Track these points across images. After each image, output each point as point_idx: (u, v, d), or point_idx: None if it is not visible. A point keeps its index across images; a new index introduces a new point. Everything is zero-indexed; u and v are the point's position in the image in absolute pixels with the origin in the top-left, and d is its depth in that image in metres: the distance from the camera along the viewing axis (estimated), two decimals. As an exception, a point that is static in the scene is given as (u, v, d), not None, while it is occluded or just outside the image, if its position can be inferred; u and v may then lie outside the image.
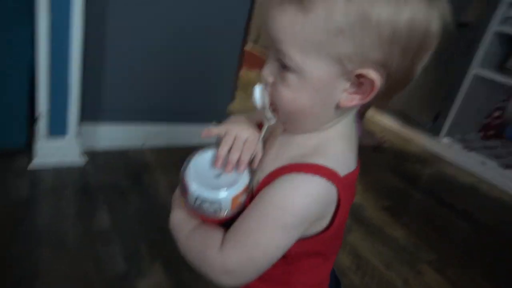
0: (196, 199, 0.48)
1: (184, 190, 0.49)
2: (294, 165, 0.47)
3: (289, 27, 0.42)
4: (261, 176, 0.51)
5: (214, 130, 0.53)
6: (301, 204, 0.46)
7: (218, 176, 0.50)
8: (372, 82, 0.42)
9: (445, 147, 2.23)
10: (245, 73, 2.62)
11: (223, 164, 0.50)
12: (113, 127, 1.60)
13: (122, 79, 1.55)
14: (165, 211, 1.27)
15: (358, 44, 0.40)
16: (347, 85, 0.44)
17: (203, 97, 1.77)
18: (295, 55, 0.42)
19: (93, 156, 1.50)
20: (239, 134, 0.51)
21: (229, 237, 0.48)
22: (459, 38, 2.03)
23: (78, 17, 1.27)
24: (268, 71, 0.47)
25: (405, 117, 2.43)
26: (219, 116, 1.85)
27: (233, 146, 0.50)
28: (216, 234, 0.50)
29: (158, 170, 1.53)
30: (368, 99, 0.44)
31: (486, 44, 2.03)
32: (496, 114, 2.28)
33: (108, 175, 1.43)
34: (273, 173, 0.49)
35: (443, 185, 1.94)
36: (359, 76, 0.43)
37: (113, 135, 1.61)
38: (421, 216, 1.62)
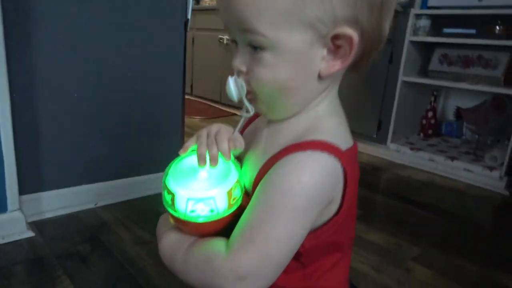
0: (188, 202, 0.43)
1: (171, 202, 0.44)
2: (290, 146, 0.43)
3: (255, 2, 0.39)
4: (254, 172, 0.46)
5: (187, 143, 0.51)
6: (308, 184, 0.41)
7: (203, 177, 0.46)
8: (350, 39, 0.41)
9: (394, 152, 2.33)
10: (188, 120, 2.60)
11: (205, 161, 0.46)
12: (59, 192, 1.46)
13: (60, 141, 1.43)
14: (136, 265, 1.16)
15: (327, 3, 0.39)
16: (324, 52, 0.42)
17: (151, 147, 1.69)
18: (266, 31, 0.40)
19: (42, 226, 1.34)
20: (209, 131, 0.51)
21: (234, 238, 0.42)
22: (385, 51, 2.20)
23: (3, 86, 1.17)
24: (239, 61, 0.44)
25: (352, 133, 2.52)
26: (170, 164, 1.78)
27: (208, 142, 0.48)
28: (218, 241, 0.44)
29: (117, 227, 1.40)
30: (348, 60, 0.43)
31: (406, 52, 2.22)
32: (430, 114, 2.45)
33: (63, 243, 1.27)
34: (267, 162, 0.45)
35: (402, 186, 2.00)
36: (335, 37, 0.41)
37: (61, 201, 1.46)
38: (391, 217, 1.63)
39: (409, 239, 1.42)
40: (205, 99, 3.73)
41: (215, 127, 0.51)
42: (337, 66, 0.43)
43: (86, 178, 1.53)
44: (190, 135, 2.05)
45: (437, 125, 2.50)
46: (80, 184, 1.51)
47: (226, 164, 0.47)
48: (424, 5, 2.15)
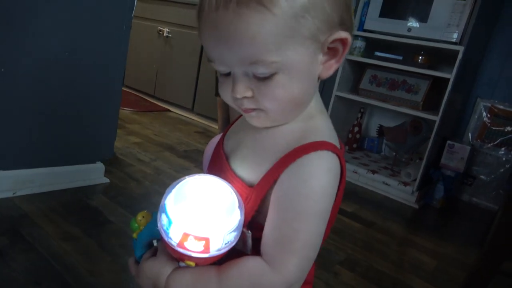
0: (224, 237, 0.42)
1: (203, 247, 0.41)
2: (296, 150, 0.44)
3: (260, 32, 0.39)
4: (261, 169, 0.46)
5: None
6: (326, 183, 0.44)
7: (215, 209, 0.43)
8: (344, 41, 0.44)
9: (322, 162, 2.46)
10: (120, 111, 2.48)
11: None
12: (-29, 177, 1.30)
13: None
14: (63, 262, 1.08)
15: (323, 13, 0.41)
16: (321, 56, 0.45)
17: (82, 136, 1.58)
18: (275, 57, 0.41)
19: None
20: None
21: (273, 251, 0.44)
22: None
23: None
24: (242, 88, 0.43)
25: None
26: (103, 154, 1.68)
27: None
28: (249, 261, 0.45)
29: (40, 219, 1.29)
30: (343, 58, 0.46)
31: (341, 69, 2.37)
32: (356, 129, 2.64)
33: (-25, 235, 1.14)
34: (278, 163, 0.45)
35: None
36: (332, 42, 0.44)
37: (-27, 187, 1.30)
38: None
39: (335, 244, 1.51)
40: (138, 91, 3.58)
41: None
42: (334, 66, 0.46)
43: (4, 163, 1.38)
44: (121, 126, 1.97)
45: (361, 140, 2.70)
46: (-3, 169, 1.36)
47: (214, 185, 0.46)
48: (361, 27, 2.31)
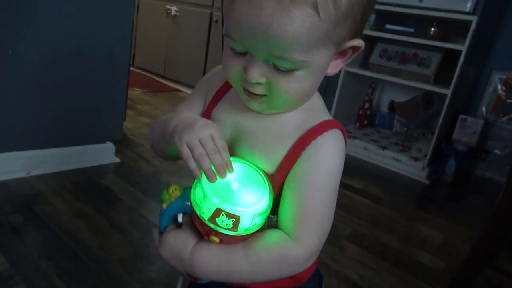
0: (254, 219, 0.43)
1: (233, 225, 0.42)
2: (311, 132, 0.47)
3: (301, 33, 0.39)
4: (277, 155, 0.47)
5: (188, 163, 0.44)
6: (340, 160, 0.48)
7: (245, 189, 0.44)
8: (356, 48, 0.45)
9: (332, 139, 2.45)
10: (129, 92, 2.51)
11: (215, 176, 0.43)
12: (-14, 158, 1.35)
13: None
14: (75, 238, 1.12)
15: (354, 22, 0.42)
16: (334, 57, 0.46)
17: (92, 117, 1.61)
18: (303, 57, 0.41)
19: (-35, 194, 1.23)
20: (200, 138, 0.44)
21: (297, 226, 0.46)
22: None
23: None
24: (258, 73, 0.43)
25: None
26: (113, 135, 1.71)
27: (208, 152, 0.44)
28: (274, 235, 0.47)
29: (52, 197, 1.34)
30: (348, 61, 0.47)
31: (351, 44, 2.32)
32: (367, 105, 2.61)
33: (-9, 213, 1.19)
34: (295, 147, 0.47)
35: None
36: (349, 48, 0.45)
37: (-12, 168, 1.35)
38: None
39: (342, 220, 1.53)
40: (147, 71, 3.60)
41: (203, 131, 0.45)
42: (340, 65, 0.47)
43: (18, 144, 1.42)
44: (132, 107, 1.99)
45: (371, 116, 2.67)
46: (10, 150, 1.40)
47: (244, 168, 0.46)
48: None
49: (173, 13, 3.20)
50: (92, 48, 1.50)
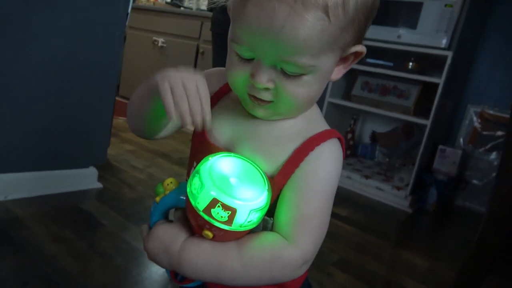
0: (250, 214, 0.42)
1: (228, 218, 0.41)
2: (313, 139, 0.48)
3: (312, 37, 0.40)
4: (278, 159, 0.48)
5: (165, 99, 0.42)
6: (338, 167, 0.49)
7: (244, 183, 0.44)
8: (359, 53, 0.47)
9: (316, 168, 2.47)
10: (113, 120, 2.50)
11: (190, 119, 0.41)
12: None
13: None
14: (53, 264, 1.08)
15: (359, 27, 0.43)
16: (338, 62, 0.47)
17: (76, 141, 1.58)
18: (311, 61, 0.42)
19: None
20: (183, 80, 0.43)
21: (294, 229, 0.46)
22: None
23: None
24: (266, 78, 0.43)
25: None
26: (96, 159, 1.69)
27: (187, 94, 0.42)
28: (269, 236, 0.46)
29: (30, 221, 1.28)
30: (350, 67, 0.49)
31: (334, 76, 2.40)
32: (349, 136, 2.66)
33: (-36, 237, 1.13)
34: (296, 153, 0.47)
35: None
36: (352, 53, 0.46)
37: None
38: (313, 227, 1.72)
39: (329, 246, 1.51)
40: (132, 100, 3.59)
41: (188, 76, 0.43)
42: (342, 71, 0.49)
43: (-3, 167, 1.38)
44: (115, 135, 1.97)
45: (354, 146, 2.72)
46: (-12, 173, 1.36)
47: (244, 164, 0.46)
48: (352, 35, 2.35)
49: (160, 44, 3.26)
50: (80, 73, 1.50)
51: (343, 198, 2.15)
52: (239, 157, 0.46)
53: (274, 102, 0.46)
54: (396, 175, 2.28)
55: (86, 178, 1.64)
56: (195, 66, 3.06)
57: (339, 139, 0.50)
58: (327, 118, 2.31)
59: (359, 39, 0.45)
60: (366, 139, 2.72)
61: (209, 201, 0.41)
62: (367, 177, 2.29)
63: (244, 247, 0.45)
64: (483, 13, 2.25)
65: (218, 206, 0.40)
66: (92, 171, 1.66)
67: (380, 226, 1.85)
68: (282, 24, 0.38)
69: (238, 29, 0.42)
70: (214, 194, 0.41)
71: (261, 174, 0.46)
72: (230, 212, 0.41)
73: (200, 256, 0.44)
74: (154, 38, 3.28)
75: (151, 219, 0.50)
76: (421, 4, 2.07)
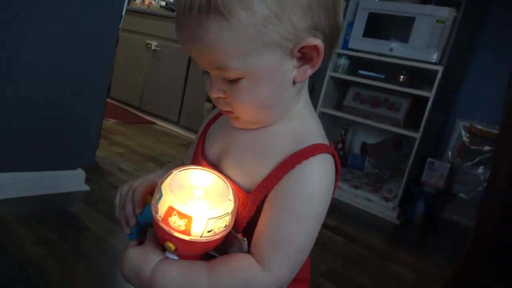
0: (207, 223, 0.41)
1: (185, 227, 0.40)
2: (295, 156, 0.44)
3: (219, 40, 0.40)
4: (256, 175, 0.46)
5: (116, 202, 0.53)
6: (324, 187, 0.45)
7: (205, 194, 0.43)
8: (316, 47, 0.43)
9: (305, 177, 2.47)
10: (103, 122, 2.48)
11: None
12: None
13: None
14: (36, 266, 1.05)
15: (287, 22, 0.41)
16: (294, 61, 0.44)
17: (64, 143, 1.56)
18: (236, 64, 0.41)
19: None
20: (122, 190, 0.53)
21: (268, 253, 0.43)
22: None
23: None
24: (216, 89, 0.45)
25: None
26: (84, 161, 1.66)
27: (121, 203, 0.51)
28: (243, 260, 0.44)
29: (14, 223, 1.25)
30: (318, 64, 0.45)
31: (325, 86, 2.42)
32: (340, 146, 2.67)
33: None
34: (277, 169, 0.45)
35: (311, 209, 2.12)
36: (302, 48, 0.43)
37: None
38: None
39: (317, 257, 1.51)
40: (123, 103, 3.56)
41: (125, 186, 0.53)
42: (309, 71, 0.46)
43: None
44: (104, 137, 1.96)
45: (344, 156, 2.73)
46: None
47: (211, 177, 0.45)
48: (345, 45, 2.37)
49: (153, 47, 3.24)
50: (71, 74, 1.49)
51: (332, 208, 2.12)
52: (207, 170, 0.46)
53: (234, 111, 0.46)
54: (384, 186, 2.29)
55: (73, 180, 1.61)
56: (187, 70, 3.06)
57: (333, 155, 0.46)
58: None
59: (303, 33, 0.42)
60: (356, 149, 2.73)
61: (166, 210, 0.40)
62: (356, 187, 2.30)
63: (214, 272, 0.43)
64: (473, 30, 2.30)
65: (174, 215, 0.40)
66: (80, 173, 1.64)
67: (368, 237, 1.85)
68: (191, 35, 0.41)
69: None
70: (169, 202, 0.40)
71: (227, 185, 0.45)
72: (186, 220, 0.40)
73: (171, 282, 0.43)
74: (147, 41, 3.27)
75: (129, 237, 0.50)
76: (413, 19, 2.11)
